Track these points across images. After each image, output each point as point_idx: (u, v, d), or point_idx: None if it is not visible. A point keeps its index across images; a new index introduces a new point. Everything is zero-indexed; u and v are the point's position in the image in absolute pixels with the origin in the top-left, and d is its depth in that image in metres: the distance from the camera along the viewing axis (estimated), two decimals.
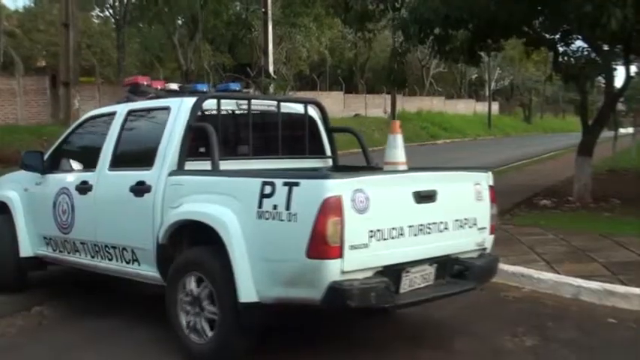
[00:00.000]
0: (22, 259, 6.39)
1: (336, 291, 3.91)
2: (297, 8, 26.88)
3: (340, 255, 3.91)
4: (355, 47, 43.59)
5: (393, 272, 4.25)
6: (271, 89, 24.85)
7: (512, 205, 11.53)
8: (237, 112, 5.45)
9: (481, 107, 54.47)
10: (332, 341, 5.26)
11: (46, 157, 6.28)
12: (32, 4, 36.01)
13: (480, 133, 45.70)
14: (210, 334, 4.47)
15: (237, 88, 6.04)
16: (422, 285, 4.52)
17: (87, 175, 5.71)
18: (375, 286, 4.06)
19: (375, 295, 4.05)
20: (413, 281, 4.46)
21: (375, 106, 39.99)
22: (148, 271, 5.10)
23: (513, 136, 48.18)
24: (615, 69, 11.43)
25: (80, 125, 6.27)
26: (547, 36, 12.09)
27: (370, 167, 5.81)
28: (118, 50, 29.26)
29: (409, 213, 4.35)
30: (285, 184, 4.06)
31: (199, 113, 5.07)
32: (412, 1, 11.34)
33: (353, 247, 3.96)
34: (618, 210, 10.77)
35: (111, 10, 33.71)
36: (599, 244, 8.19)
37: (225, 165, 4.97)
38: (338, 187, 3.94)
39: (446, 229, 4.60)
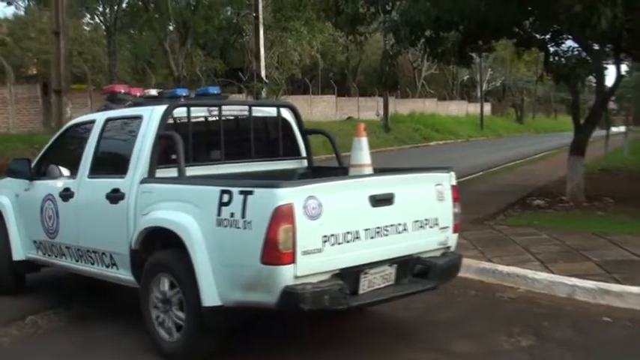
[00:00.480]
0: (15, 263, 6.58)
1: (290, 295, 4.06)
2: (288, 12, 26.88)
3: (293, 261, 4.06)
4: (347, 50, 43.63)
5: (351, 274, 4.43)
6: (263, 93, 24.82)
7: (506, 206, 11.56)
8: (209, 117, 5.58)
9: (473, 108, 54.59)
10: (328, 344, 5.26)
11: (33, 164, 6.48)
12: (22, 13, 35.93)
13: (473, 134, 45.80)
14: (176, 334, 4.71)
15: (216, 92, 6.10)
16: (382, 285, 4.69)
17: (69, 182, 5.90)
18: (329, 289, 4.20)
19: (329, 297, 4.19)
20: (372, 282, 4.62)
21: (368, 108, 40.04)
22: (125, 275, 5.28)
23: (506, 137, 48.29)
24: (606, 68, 11.50)
25: (64, 133, 6.46)
26: (538, 36, 12.13)
27: (343, 169, 5.81)
28: (109, 57, 29.18)
29: (365, 217, 4.49)
30: (241, 192, 4.23)
31: (172, 121, 5.25)
32: (403, 4, 11.36)
33: (306, 253, 4.11)
34: (611, 209, 10.80)
35: (101, 17, 33.65)
36: (593, 243, 8.21)
37: (197, 170, 5.20)
38: (289, 195, 4.08)
39: (405, 230, 4.74)
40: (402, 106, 43.07)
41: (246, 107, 5.82)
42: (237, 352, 5.01)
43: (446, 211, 5.12)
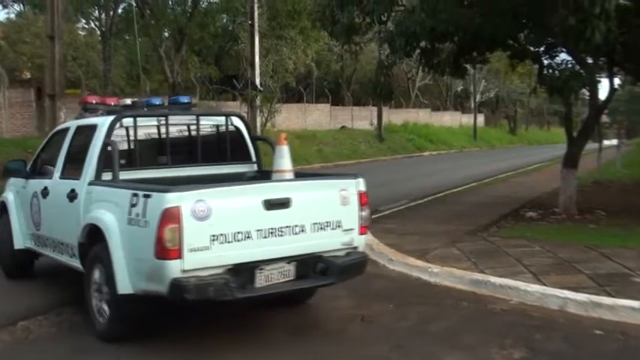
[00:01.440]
0: (16, 251, 7.40)
1: (176, 286, 4.67)
2: (283, 21, 26.92)
3: (179, 256, 4.65)
4: (341, 60, 43.71)
5: (246, 269, 4.97)
6: (258, 101, 24.86)
7: (499, 217, 11.58)
8: (160, 125, 6.25)
9: (467, 119, 54.73)
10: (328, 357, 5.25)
11: (29, 164, 7.40)
12: (13, 16, 35.88)
13: (466, 144, 45.92)
14: (105, 318, 5.36)
15: (186, 101, 6.79)
16: (281, 280, 5.18)
17: (47, 182, 6.66)
18: (213, 282, 4.74)
19: (214, 289, 4.74)
20: (270, 277, 5.12)
21: (362, 118, 40.11)
22: (80, 265, 5.95)
23: (499, 148, 48.43)
24: (599, 81, 11.56)
25: (51, 137, 7.27)
26: (532, 49, 12.19)
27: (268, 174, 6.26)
28: (104, 62, 29.14)
29: (258, 219, 5.01)
30: (144, 195, 4.87)
31: (124, 129, 6.00)
32: (398, 15, 11.39)
33: (193, 250, 4.68)
34: (604, 222, 10.83)
35: (97, 23, 33.62)
36: (585, 255, 8.23)
37: (144, 174, 5.94)
38: (177, 199, 4.67)
39: (303, 231, 5.24)
40: (395, 116, 43.17)
41: (194, 118, 6.46)
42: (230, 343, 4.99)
43: (351, 214, 5.57)
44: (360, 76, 46.74)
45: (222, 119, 6.70)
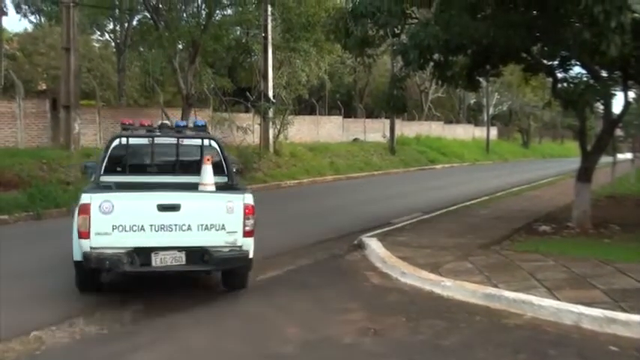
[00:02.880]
0: None
1: (86, 257, 6.88)
2: (297, 33, 26.99)
3: (88, 237, 6.84)
4: (354, 72, 43.79)
5: (144, 252, 6.97)
6: (271, 113, 24.90)
7: (512, 231, 11.52)
8: (153, 142, 8.50)
9: (479, 132, 54.57)
10: None
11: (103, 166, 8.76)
12: (32, 28, 36.23)
13: (479, 158, 45.74)
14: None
15: (201, 124, 8.89)
16: (174, 263, 7.07)
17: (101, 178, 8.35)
18: (109, 257, 6.81)
19: (109, 262, 6.79)
20: (164, 260, 7.04)
21: (374, 130, 40.06)
22: None
23: (511, 162, 48.19)
24: (614, 95, 11.40)
25: (107, 146, 8.67)
26: (546, 62, 12.13)
27: (229, 185, 8.40)
28: (118, 74, 29.35)
29: (152, 217, 6.98)
30: (81, 193, 7.07)
31: (127, 144, 8.38)
32: (412, 27, 11.40)
33: (98, 234, 6.84)
34: (618, 236, 10.75)
35: (112, 35, 33.91)
36: (600, 270, 8.18)
37: (137, 178, 8.31)
38: (89, 198, 6.88)
39: (189, 229, 7.07)
40: (408, 129, 43.10)
41: (174, 139, 8.53)
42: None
43: (234, 220, 7.21)
44: (372, 88, 46.78)
45: (201, 141, 8.62)
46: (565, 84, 11.08)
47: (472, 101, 60.34)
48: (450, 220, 13.47)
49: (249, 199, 7.31)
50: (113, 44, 33.94)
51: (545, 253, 9.37)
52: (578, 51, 10.10)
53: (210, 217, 7.16)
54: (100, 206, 6.91)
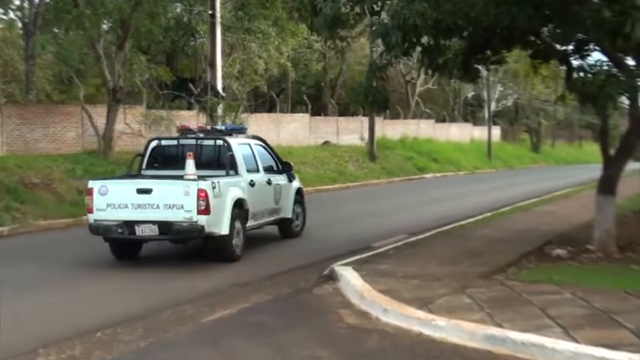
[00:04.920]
0: None
1: (89, 227, 12.16)
2: (252, 10, 26.97)
3: (92, 212, 12.05)
4: (324, 59, 43.94)
5: (130, 225, 11.79)
6: (220, 110, 24.79)
7: (519, 256, 11.55)
8: (180, 143, 13.85)
9: (479, 133, 55.07)
10: None
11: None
12: None
13: (478, 165, 46.14)
14: None
15: (239, 128, 15.32)
16: (151, 233, 11.85)
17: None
18: (104, 227, 11.95)
19: (102, 230, 11.95)
20: (144, 230, 11.78)
21: (349, 131, 40.15)
22: None
23: (518, 169, 48.73)
24: None
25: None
26: (558, 47, 12.24)
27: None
28: (26, 62, 28.85)
29: (132, 197, 11.86)
30: (89, 180, 12.73)
31: (161, 145, 14.05)
32: (394, 4, 11.42)
33: (98, 210, 11.98)
34: None
35: (18, 13, 33.37)
36: (627, 305, 8.20)
37: (168, 172, 13.08)
38: (92, 183, 12.24)
39: (158, 207, 11.75)
40: (391, 129, 43.34)
41: (194, 140, 13.69)
42: None
43: (190, 201, 11.69)
44: (346, 78, 46.96)
45: (214, 142, 13.67)
46: (582, 73, 11.16)
47: (470, 95, 60.97)
48: (443, 242, 13.48)
49: (203, 185, 11.77)
50: (20, 24, 33.45)
51: (560, 283, 9.36)
52: (597, 33, 10.22)
53: (173, 199, 11.80)
54: (99, 189, 12.08)
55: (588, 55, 12.00)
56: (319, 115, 41.08)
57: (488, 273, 10.27)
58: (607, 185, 11.88)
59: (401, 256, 12.02)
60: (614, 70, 10.99)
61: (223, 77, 25.80)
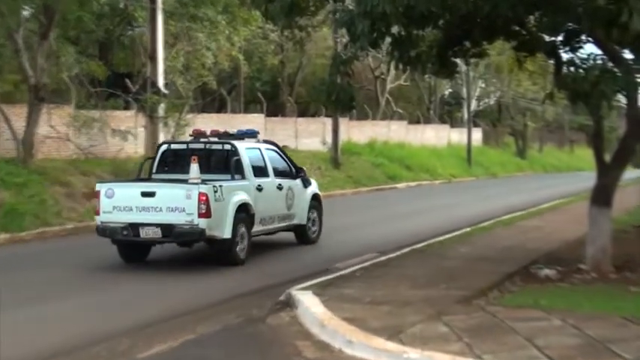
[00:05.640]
0: None
1: (97, 229, 14.18)
2: None
3: (99, 214, 14.05)
4: (282, 51, 43.88)
5: (134, 226, 13.64)
6: (161, 110, 24.60)
7: (502, 278, 11.59)
8: (191, 146, 15.67)
9: (457, 136, 55.42)
10: None
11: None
12: None
13: (457, 172, 46.36)
14: None
15: (252, 132, 16.65)
16: (154, 236, 13.59)
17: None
18: (110, 228, 13.88)
19: (109, 232, 13.92)
20: (147, 233, 13.57)
21: (310, 134, 40.10)
22: None
23: (502, 178, 49.07)
24: None
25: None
26: (546, 38, 12.30)
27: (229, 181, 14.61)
28: None
29: (137, 200, 13.71)
30: (97, 183, 15.21)
31: (171, 149, 15.99)
32: None
33: (104, 212, 13.92)
34: None
35: None
36: (625, 332, 8.23)
37: (177, 175, 14.83)
38: (100, 186, 14.33)
39: (161, 210, 13.51)
40: (358, 132, 43.40)
41: (203, 145, 15.56)
42: None
43: (191, 204, 13.30)
44: (307, 74, 46.98)
45: (222, 145, 15.46)
46: (572, 68, 11.23)
47: (447, 92, 61.36)
48: (416, 262, 13.50)
49: (203, 189, 13.43)
50: None
51: (549, 308, 9.38)
52: (590, 22, 10.26)
53: (175, 202, 13.47)
54: (105, 192, 13.88)
55: (580, 48, 12.07)
56: (276, 115, 41.00)
57: (468, 297, 10.27)
58: (602, 196, 11.94)
59: (368, 278, 11.98)
60: (609, 64, 11.06)
61: (166, 72, 25.60)
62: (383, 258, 13.99)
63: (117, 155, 24.66)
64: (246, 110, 40.81)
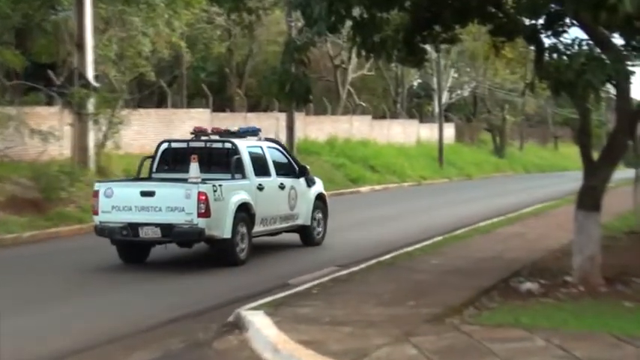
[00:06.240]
0: None
1: (95, 229, 15.71)
2: None
3: (97, 214, 15.52)
4: (229, 37, 43.79)
5: (133, 227, 15.03)
6: (90, 106, 24.41)
7: (478, 293, 11.60)
8: (191, 145, 16.95)
9: (428, 132, 55.68)
10: None
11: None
12: None
13: (427, 174, 46.47)
14: None
15: (254, 129, 18.44)
16: (155, 236, 15.02)
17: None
18: (109, 228, 15.26)
19: (108, 232, 15.34)
20: (147, 233, 14.97)
21: (262, 130, 40.05)
22: None
23: (477, 179, 49.33)
24: (632, 73, 11.70)
25: None
26: (525, 21, 12.33)
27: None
28: None
29: (136, 200, 15.14)
30: (96, 182, 16.84)
31: (171, 147, 17.17)
32: None
33: (103, 212, 15.36)
34: None
35: None
36: (618, 353, 8.27)
37: (177, 174, 16.19)
38: (98, 185, 15.80)
39: (160, 210, 14.93)
40: (316, 128, 43.39)
41: (203, 143, 16.86)
42: None
43: (191, 204, 14.60)
44: (258, 63, 46.97)
45: (222, 144, 16.75)
46: (556, 55, 11.25)
47: (416, 83, 61.61)
48: (382, 277, 13.50)
49: (203, 187, 14.75)
50: None
51: (531, 327, 9.41)
52: (575, 4, 10.27)
53: (174, 202, 14.78)
54: (104, 192, 15.16)
55: (564, 32, 12.15)
56: (223, 110, 40.93)
57: (440, 315, 10.27)
58: (589, 199, 11.98)
59: (328, 295, 11.94)
60: (597, 50, 11.10)
61: (96, 62, 25.49)
62: (344, 272, 13.96)
63: (38, 158, 24.30)
64: (190, 104, 40.71)
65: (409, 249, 16.52)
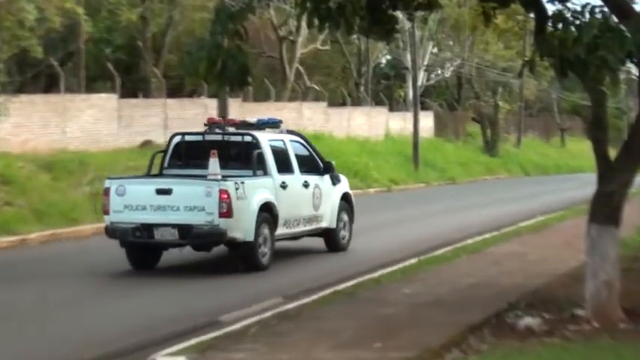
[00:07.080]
0: None
1: (106, 229, 18.42)
2: None
3: (108, 214, 18.23)
4: (142, 1, 43.62)
5: (147, 227, 17.58)
6: None
7: (464, 331, 11.67)
8: (207, 138, 19.72)
9: (399, 123, 55.78)
10: None
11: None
12: None
13: (399, 177, 46.57)
14: None
15: (276, 121, 21.27)
16: (172, 238, 17.52)
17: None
18: (120, 229, 17.84)
19: (119, 233, 17.92)
20: (163, 234, 17.53)
21: (187, 122, 39.67)
22: None
23: (463, 184, 49.52)
24: None
25: None
26: None
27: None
28: None
29: (151, 198, 17.73)
30: (107, 179, 19.60)
31: (185, 141, 20.03)
32: None
33: (115, 212, 18.00)
34: None
35: None
36: None
37: (192, 171, 18.94)
38: (109, 182, 18.48)
39: (178, 210, 17.45)
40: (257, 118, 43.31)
41: (221, 136, 19.45)
42: None
43: (212, 203, 16.98)
44: (180, 34, 46.87)
45: (242, 137, 19.04)
46: (561, 25, 11.30)
47: (384, 60, 61.70)
48: (340, 311, 13.56)
49: (224, 185, 16.63)
50: None
51: None
52: None
53: (194, 200, 16.76)
54: (116, 190, 17.15)
55: None
56: (135, 96, 40.83)
57: (416, 359, 10.29)
58: (605, 209, 12.04)
59: (269, 335, 11.95)
60: (613, 19, 11.15)
61: None
62: (291, 305, 14.00)
63: None
64: (90, 89, 40.50)
65: (375, 275, 16.59)
